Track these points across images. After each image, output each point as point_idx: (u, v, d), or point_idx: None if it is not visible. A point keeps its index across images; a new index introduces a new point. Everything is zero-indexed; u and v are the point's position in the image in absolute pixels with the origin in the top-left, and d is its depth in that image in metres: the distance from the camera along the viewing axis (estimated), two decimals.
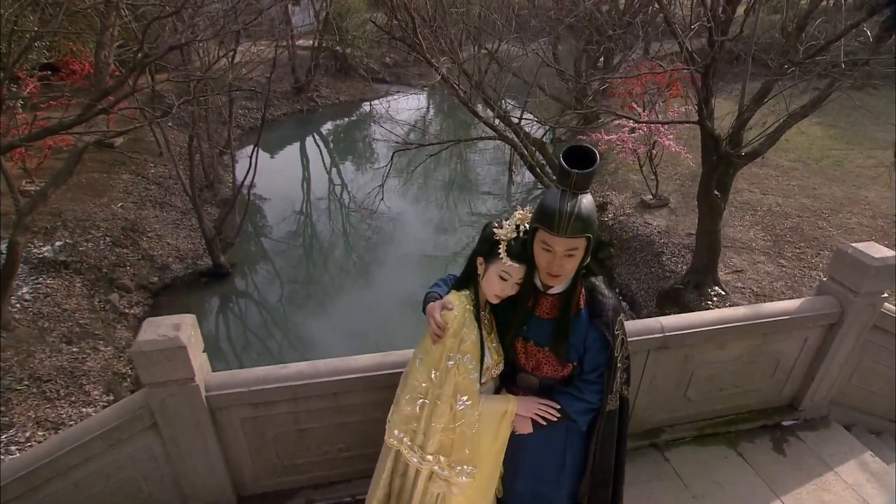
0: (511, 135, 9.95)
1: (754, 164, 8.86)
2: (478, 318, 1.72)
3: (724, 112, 7.01)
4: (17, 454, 4.95)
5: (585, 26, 12.34)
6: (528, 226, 1.66)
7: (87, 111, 5.56)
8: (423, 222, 11.64)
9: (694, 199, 7.50)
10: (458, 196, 13.02)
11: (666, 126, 8.60)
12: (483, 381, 1.77)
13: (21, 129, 7.93)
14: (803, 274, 7.56)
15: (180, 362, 2.05)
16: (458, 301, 1.71)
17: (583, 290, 1.74)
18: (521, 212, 1.70)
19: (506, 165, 13.90)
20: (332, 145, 16.76)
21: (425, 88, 17.39)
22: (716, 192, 6.48)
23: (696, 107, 5.96)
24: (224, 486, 2.44)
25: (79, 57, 10.02)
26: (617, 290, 8.46)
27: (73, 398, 5.88)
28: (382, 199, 9.63)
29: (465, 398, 1.71)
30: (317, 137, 17.03)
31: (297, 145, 16.22)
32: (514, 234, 1.67)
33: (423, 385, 1.75)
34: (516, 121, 10.06)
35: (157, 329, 2.04)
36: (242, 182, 9.59)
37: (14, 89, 7.87)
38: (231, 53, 10.83)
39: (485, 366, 1.76)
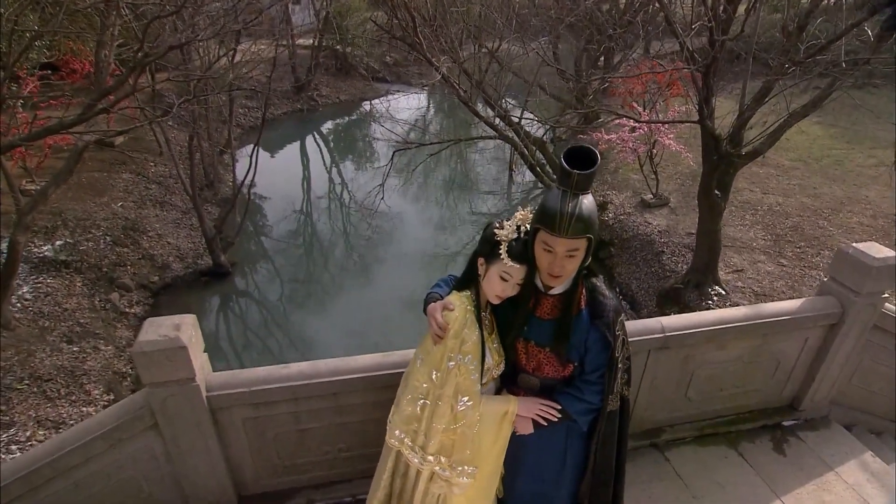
0: (511, 134, 9.94)
1: (755, 164, 8.86)
2: (479, 319, 1.72)
3: (725, 111, 7.01)
4: (18, 453, 4.96)
5: (586, 25, 12.36)
6: (528, 226, 1.66)
7: (87, 110, 5.56)
8: (424, 221, 11.64)
9: (694, 198, 7.50)
10: (458, 195, 13.01)
11: (666, 125, 8.59)
12: (484, 381, 1.77)
13: (21, 128, 7.91)
14: (804, 273, 7.56)
15: (181, 362, 2.05)
16: (460, 302, 1.71)
17: (584, 290, 1.74)
18: (522, 212, 1.70)
19: (506, 165, 13.90)
20: (332, 144, 16.75)
21: (425, 88, 17.41)
22: (716, 192, 6.48)
23: (697, 106, 5.96)
24: (225, 485, 2.44)
25: (79, 56, 10.00)
26: (617, 290, 8.46)
27: (73, 397, 5.89)
28: (383, 198, 9.62)
29: (466, 399, 1.71)
30: (317, 136, 17.01)
31: (297, 144, 16.20)
32: (515, 235, 1.67)
33: (424, 385, 1.74)
34: (516, 120, 10.04)
35: (157, 329, 2.04)
36: (243, 181, 9.59)
37: (14, 88, 7.85)
38: (231, 53, 10.85)
39: (486, 366, 1.76)
